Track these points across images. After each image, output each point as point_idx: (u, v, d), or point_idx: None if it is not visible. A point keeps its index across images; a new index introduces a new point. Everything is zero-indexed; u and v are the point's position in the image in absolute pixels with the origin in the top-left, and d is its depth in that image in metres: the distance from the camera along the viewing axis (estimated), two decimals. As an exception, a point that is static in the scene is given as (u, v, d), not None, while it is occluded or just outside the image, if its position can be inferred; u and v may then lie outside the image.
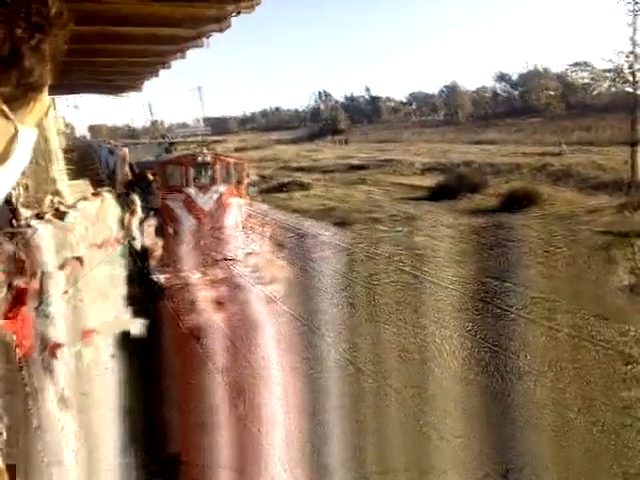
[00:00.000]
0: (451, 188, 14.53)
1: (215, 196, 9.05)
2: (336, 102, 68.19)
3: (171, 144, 11.08)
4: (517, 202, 11.72)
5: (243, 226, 9.14)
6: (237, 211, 9.23)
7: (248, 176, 10.06)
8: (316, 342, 5.67)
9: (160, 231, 8.05)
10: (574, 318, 5.67)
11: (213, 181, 9.30)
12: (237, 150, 41.35)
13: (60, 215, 2.22)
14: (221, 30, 5.04)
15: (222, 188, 9.19)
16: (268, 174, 21.86)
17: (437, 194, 14.24)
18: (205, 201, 8.95)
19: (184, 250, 8.34)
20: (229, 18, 4.64)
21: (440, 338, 5.33)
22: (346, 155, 30.03)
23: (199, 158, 9.48)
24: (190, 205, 8.95)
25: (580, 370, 4.73)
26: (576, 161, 17.90)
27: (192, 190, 8.98)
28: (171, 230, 8.71)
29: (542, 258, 8.00)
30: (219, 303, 6.62)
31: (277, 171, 23.09)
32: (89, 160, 23.87)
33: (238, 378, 4.65)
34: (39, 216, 2.18)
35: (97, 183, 18.22)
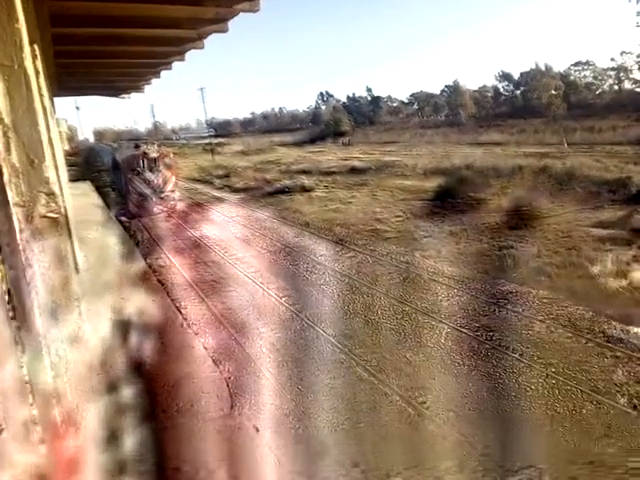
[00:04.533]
0: (451, 195, 14.42)
1: (158, 174, 16.03)
2: (338, 101, 68.19)
3: (136, 146, 17.60)
4: (519, 218, 11.42)
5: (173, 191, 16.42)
6: (170, 183, 16.43)
7: (176, 163, 17.96)
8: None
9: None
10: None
11: (157, 166, 16.13)
12: (242, 153, 41.43)
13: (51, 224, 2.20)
14: (221, 31, 5.06)
15: (162, 169, 16.14)
16: (271, 177, 21.90)
17: (438, 203, 14.12)
18: (153, 177, 15.94)
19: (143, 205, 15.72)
20: (229, 20, 4.66)
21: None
22: (348, 157, 30.01)
23: (150, 153, 16.21)
24: (144, 179, 15.85)
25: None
26: (578, 162, 17.80)
27: (146, 171, 15.94)
28: (134, 195, 15.77)
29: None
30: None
31: (280, 174, 23.07)
32: (92, 162, 24.11)
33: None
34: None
35: (100, 184, 18.35)
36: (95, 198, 14.82)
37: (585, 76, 53.11)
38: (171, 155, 18.14)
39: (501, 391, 4.68)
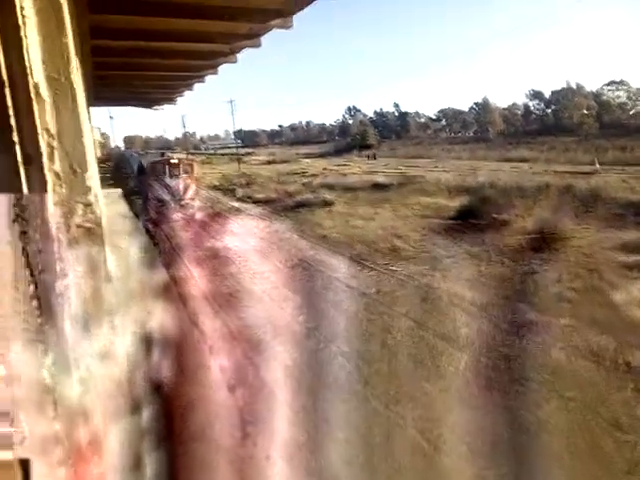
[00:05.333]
0: (474, 215, 14.13)
1: (179, 181, 16.51)
2: (364, 116, 68.45)
3: (162, 154, 18.80)
4: (542, 240, 11.12)
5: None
6: (191, 190, 16.87)
7: (198, 171, 18.17)
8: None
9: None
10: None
11: (178, 173, 16.63)
12: (268, 163, 41.83)
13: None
14: (254, 46, 5.15)
15: (183, 176, 16.64)
16: (293, 190, 21.88)
17: (460, 222, 13.86)
18: (173, 183, 16.38)
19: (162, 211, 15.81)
20: (262, 35, 4.74)
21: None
22: (373, 171, 29.91)
23: (171, 160, 17.00)
24: (165, 185, 16.37)
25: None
26: (603, 182, 17.37)
27: (167, 177, 16.44)
28: (154, 201, 16.14)
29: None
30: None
31: (301, 187, 23.06)
32: (122, 169, 24.62)
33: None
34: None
35: (128, 190, 18.79)
36: (123, 205, 15.08)
37: (618, 96, 52.23)
38: (194, 163, 18.68)
39: (519, 424, 4.55)
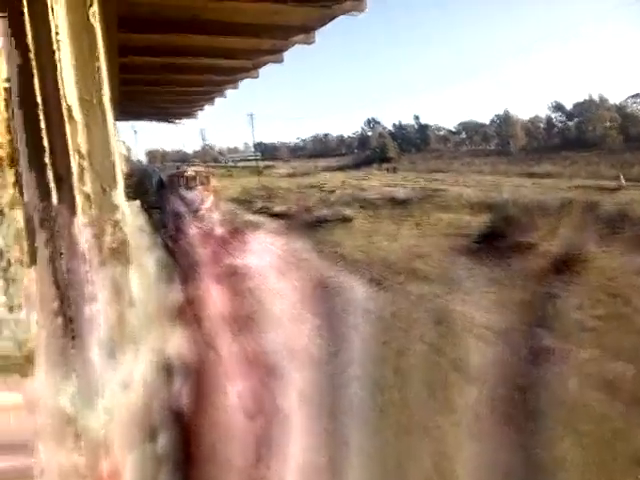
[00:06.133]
0: (495, 235, 13.84)
1: (195, 193, 15.64)
2: (384, 128, 68.43)
3: (178, 167, 19.02)
4: (565, 263, 10.82)
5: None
6: (208, 201, 15.81)
7: (216, 184, 17.30)
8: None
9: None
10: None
11: (194, 184, 15.91)
12: (289, 176, 42.07)
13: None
14: (277, 62, 5.22)
15: (200, 188, 15.85)
16: (312, 204, 21.80)
17: (482, 244, 13.59)
18: (190, 196, 15.54)
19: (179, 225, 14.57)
20: (284, 51, 4.80)
21: None
22: (392, 184, 29.77)
23: (187, 172, 16.20)
24: (181, 198, 15.60)
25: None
26: (629, 199, 16.95)
27: (183, 189, 15.85)
28: (171, 215, 14.93)
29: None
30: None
31: (320, 201, 22.96)
32: (144, 183, 24.96)
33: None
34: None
35: (149, 205, 19.05)
36: (143, 220, 15.26)
37: (642, 107, 51.41)
38: (211, 176, 19.10)
39: (533, 462, 4.42)
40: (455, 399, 5.57)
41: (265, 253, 13.61)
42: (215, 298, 9.46)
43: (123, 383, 1.20)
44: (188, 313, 8.25)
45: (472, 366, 6.27)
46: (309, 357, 6.72)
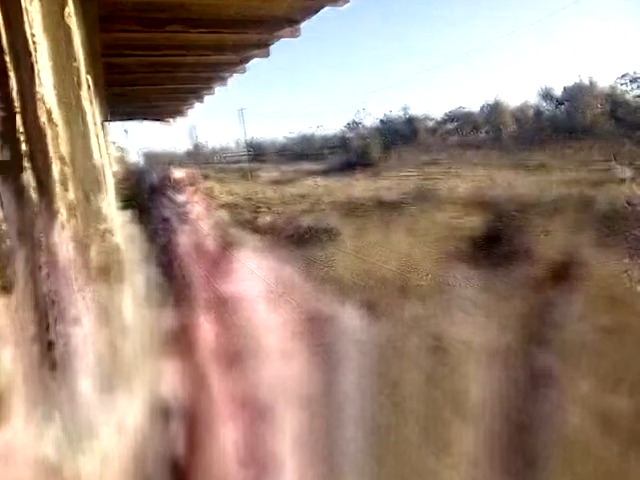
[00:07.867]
0: (490, 241, 13.72)
1: (184, 195, 16.25)
2: (365, 128, 67.25)
3: (167, 168, 19.81)
4: (564, 270, 10.66)
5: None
6: (196, 206, 16.09)
7: (199, 181, 18.97)
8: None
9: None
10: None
11: (182, 185, 16.75)
12: (275, 182, 41.86)
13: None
14: (263, 56, 5.17)
15: (189, 189, 16.51)
16: (298, 216, 21.42)
17: (476, 249, 13.45)
18: (179, 198, 15.97)
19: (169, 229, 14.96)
20: (271, 45, 4.76)
21: None
22: (379, 187, 29.43)
23: (175, 175, 17.34)
24: (170, 200, 16.05)
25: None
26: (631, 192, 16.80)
27: (172, 191, 16.36)
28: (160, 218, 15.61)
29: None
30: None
31: (305, 213, 22.54)
32: (139, 186, 24.78)
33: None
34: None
35: (143, 208, 19.01)
36: (134, 229, 14.98)
37: (632, 88, 51.40)
38: (200, 178, 19.92)
39: None
40: (451, 438, 5.44)
41: (252, 279, 13.50)
42: (205, 330, 9.44)
43: (116, 425, 1.00)
44: (180, 344, 8.19)
45: (470, 401, 6.17)
46: (301, 397, 6.65)
